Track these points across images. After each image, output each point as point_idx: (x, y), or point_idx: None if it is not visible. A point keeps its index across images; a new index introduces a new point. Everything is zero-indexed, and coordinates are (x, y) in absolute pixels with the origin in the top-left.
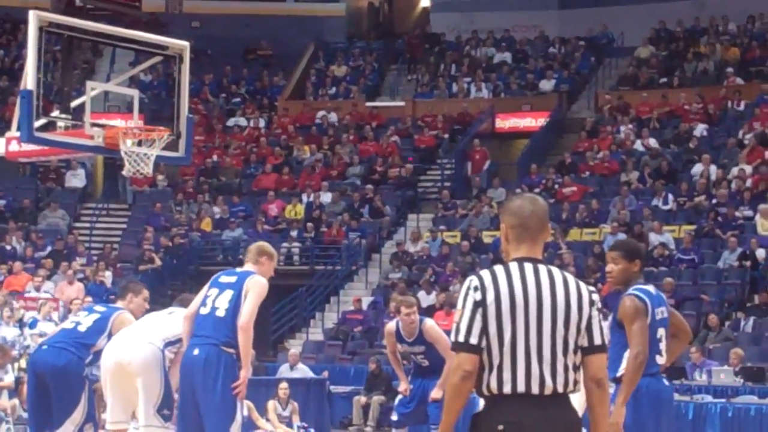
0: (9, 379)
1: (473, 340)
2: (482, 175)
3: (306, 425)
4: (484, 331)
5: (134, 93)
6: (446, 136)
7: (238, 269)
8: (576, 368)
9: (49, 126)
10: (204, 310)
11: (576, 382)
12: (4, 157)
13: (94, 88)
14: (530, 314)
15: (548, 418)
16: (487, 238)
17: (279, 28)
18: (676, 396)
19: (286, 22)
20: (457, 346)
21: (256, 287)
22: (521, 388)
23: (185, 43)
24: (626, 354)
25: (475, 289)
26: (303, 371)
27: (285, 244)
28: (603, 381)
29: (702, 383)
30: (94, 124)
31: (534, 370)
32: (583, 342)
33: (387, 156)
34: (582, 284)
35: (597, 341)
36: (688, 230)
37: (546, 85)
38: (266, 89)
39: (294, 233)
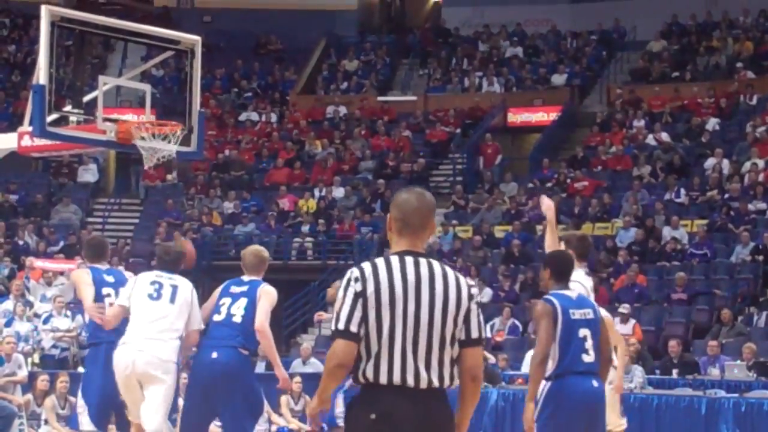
0: (23, 374)
1: (353, 328)
2: (494, 169)
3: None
4: (364, 320)
5: (146, 88)
6: (458, 130)
7: (245, 278)
8: (453, 362)
9: (61, 121)
10: (218, 317)
11: (453, 377)
12: (16, 152)
13: (106, 83)
14: (408, 307)
15: (420, 412)
16: (499, 232)
17: (290, 22)
18: (689, 391)
19: (297, 16)
20: (337, 334)
21: (269, 295)
22: (397, 379)
23: (197, 38)
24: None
25: (356, 280)
26: (315, 366)
27: (297, 239)
28: (478, 375)
29: (715, 378)
30: (106, 119)
31: (409, 362)
32: (461, 335)
33: (399, 150)
34: (462, 278)
35: (474, 334)
36: (700, 225)
37: (558, 79)
38: (278, 84)
39: (306, 228)
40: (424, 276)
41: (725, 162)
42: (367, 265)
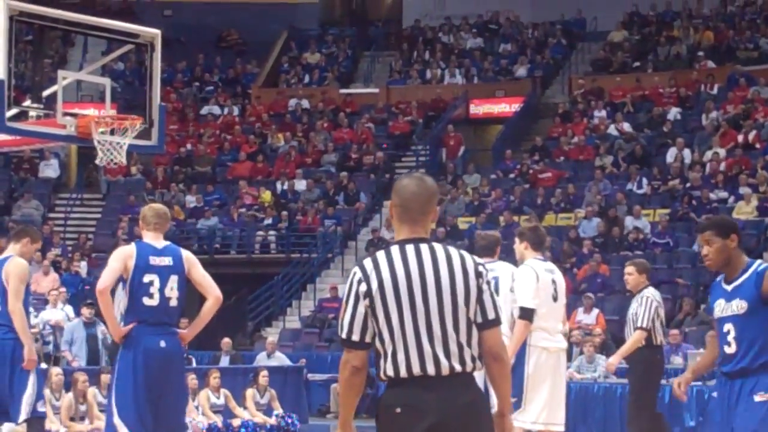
0: None
1: (355, 337)
2: (457, 161)
3: (285, 414)
4: (371, 322)
5: (106, 82)
6: (420, 122)
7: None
8: (470, 345)
9: (21, 116)
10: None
11: (476, 360)
12: None
13: (65, 78)
14: (415, 296)
15: (445, 398)
16: (462, 224)
17: (251, 15)
18: None
19: (258, 9)
20: (342, 343)
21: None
22: (416, 369)
23: (156, 31)
24: None
25: (359, 281)
26: (280, 359)
27: (260, 233)
28: (500, 354)
29: (678, 366)
30: (66, 114)
31: (427, 351)
32: (477, 317)
33: (361, 143)
34: (468, 257)
35: (490, 315)
36: (662, 214)
37: (520, 70)
38: (239, 77)
39: (269, 221)
40: (427, 262)
41: (686, 151)
42: (368, 262)
